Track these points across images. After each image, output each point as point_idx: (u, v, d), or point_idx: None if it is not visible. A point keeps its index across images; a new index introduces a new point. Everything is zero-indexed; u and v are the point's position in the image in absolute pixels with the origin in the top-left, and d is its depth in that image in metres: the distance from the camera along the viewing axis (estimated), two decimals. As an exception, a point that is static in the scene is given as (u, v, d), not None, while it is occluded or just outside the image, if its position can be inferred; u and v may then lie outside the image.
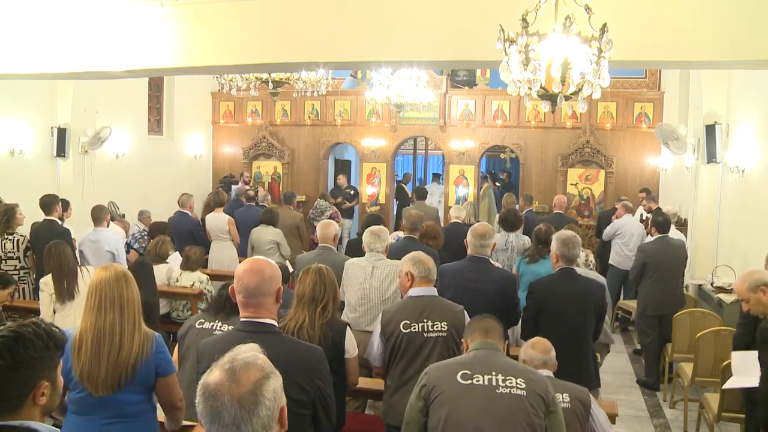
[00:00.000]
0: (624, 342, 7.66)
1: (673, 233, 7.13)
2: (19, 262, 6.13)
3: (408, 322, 3.36)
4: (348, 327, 3.26)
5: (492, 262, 4.39)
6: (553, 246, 4.03)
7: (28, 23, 5.45)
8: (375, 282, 4.44)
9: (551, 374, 3.05)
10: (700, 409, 5.01)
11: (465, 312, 3.41)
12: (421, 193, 9.32)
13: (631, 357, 7.07)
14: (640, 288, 6.25)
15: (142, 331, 2.77)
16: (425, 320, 3.35)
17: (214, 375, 1.48)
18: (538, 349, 3.14)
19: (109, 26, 5.26)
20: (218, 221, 7.82)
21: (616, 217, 8.08)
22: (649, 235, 7.99)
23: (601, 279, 4.54)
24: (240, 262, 8.12)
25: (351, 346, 3.24)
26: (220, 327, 3.43)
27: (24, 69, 5.55)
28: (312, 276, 3.23)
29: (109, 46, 5.27)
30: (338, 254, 5.40)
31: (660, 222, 6.23)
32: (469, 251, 4.33)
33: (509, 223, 6.52)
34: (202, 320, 3.53)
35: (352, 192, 11.87)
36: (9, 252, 6.08)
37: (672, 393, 5.80)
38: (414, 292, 3.48)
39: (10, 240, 6.10)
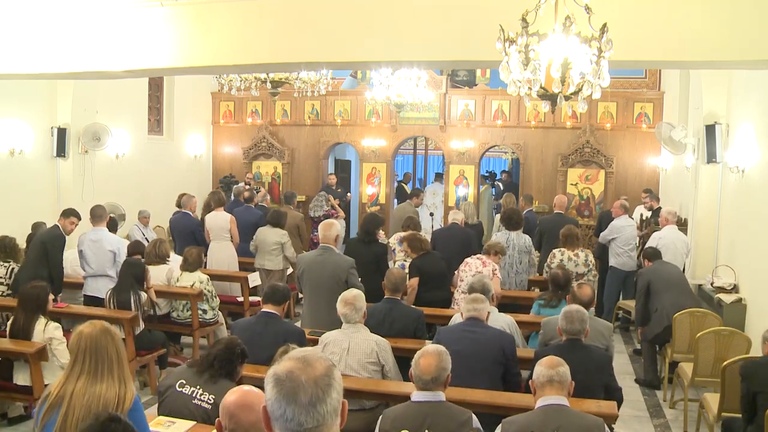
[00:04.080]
0: (624, 342, 7.66)
1: (676, 233, 7.15)
2: (8, 289, 6.08)
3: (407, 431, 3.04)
4: None
5: (485, 323, 4.27)
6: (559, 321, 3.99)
7: (28, 23, 5.45)
8: (351, 360, 4.08)
9: (563, 400, 2.96)
10: (700, 409, 5.01)
11: (474, 417, 3.07)
12: (409, 194, 9.46)
13: (631, 357, 7.07)
14: (656, 307, 6.00)
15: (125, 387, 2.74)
16: (426, 431, 2.96)
17: (284, 365, 1.51)
18: (544, 364, 3.06)
19: (109, 26, 5.26)
20: (219, 219, 7.82)
21: (613, 214, 8.08)
22: (640, 238, 8.03)
23: (607, 353, 4.27)
24: (239, 262, 8.17)
25: None
26: (200, 395, 3.30)
27: (24, 69, 5.55)
28: None
29: (109, 46, 5.26)
30: (340, 255, 5.40)
31: (650, 253, 6.43)
32: (464, 315, 4.25)
33: (513, 222, 6.68)
34: (184, 381, 3.38)
35: (339, 191, 11.87)
36: (0, 278, 6.09)
37: (672, 393, 5.80)
38: (417, 396, 3.10)
39: (4, 267, 6.10)
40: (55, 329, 4.78)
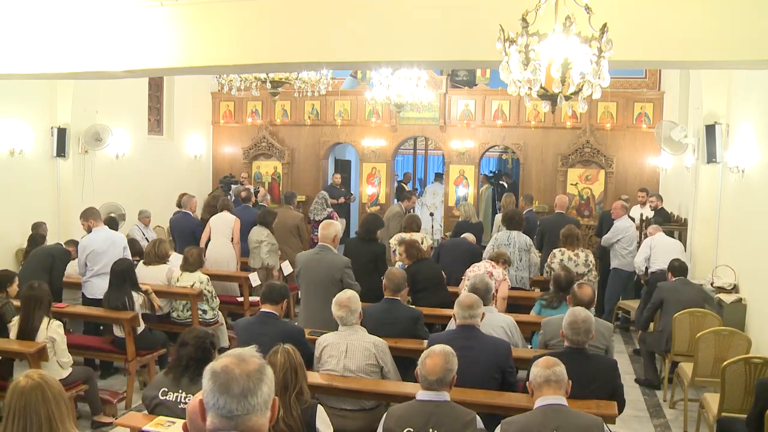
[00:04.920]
0: (624, 342, 7.66)
1: (666, 236, 7.17)
2: None
3: (412, 430, 3.01)
4: (318, 405, 3.10)
5: (482, 331, 4.08)
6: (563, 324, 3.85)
7: (28, 23, 5.45)
8: (350, 362, 4.03)
9: (562, 400, 2.95)
10: (700, 409, 5.01)
11: (477, 418, 3.05)
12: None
13: (631, 357, 7.07)
14: (661, 326, 5.96)
15: None
16: (431, 430, 2.99)
17: (220, 361, 1.65)
18: (539, 365, 3.04)
19: (109, 26, 5.25)
20: (226, 219, 7.88)
21: (613, 215, 8.06)
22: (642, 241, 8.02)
23: (611, 361, 4.07)
24: (240, 262, 8.21)
25: (324, 425, 3.04)
26: (185, 398, 3.28)
27: (24, 69, 5.54)
28: (281, 360, 3.07)
29: (109, 46, 5.26)
30: (336, 254, 5.41)
31: (675, 267, 6.20)
32: (456, 321, 4.07)
33: (515, 222, 6.82)
34: (165, 389, 3.36)
35: (342, 190, 11.93)
36: None
37: (672, 393, 5.80)
38: (422, 395, 3.11)
39: None
40: (57, 327, 4.78)
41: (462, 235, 7.23)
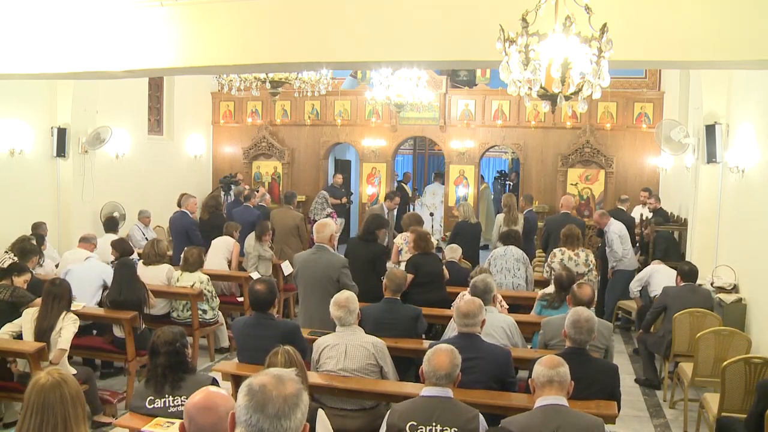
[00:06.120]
0: (624, 342, 7.66)
1: (668, 272, 6.73)
2: None
3: (415, 423, 3.04)
4: (319, 410, 3.05)
5: (482, 338, 4.01)
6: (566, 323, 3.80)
7: (28, 23, 5.45)
8: (349, 363, 4.01)
9: (562, 400, 2.96)
10: (700, 409, 5.01)
11: (480, 417, 3.09)
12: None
13: (631, 357, 7.07)
14: (662, 332, 5.89)
15: None
16: (434, 423, 3.02)
17: (259, 378, 1.66)
18: (544, 364, 3.04)
19: (109, 26, 5.25)
20: (227, 241, 7.87)
21: (599, 227, 7.92)
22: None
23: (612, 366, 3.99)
24: (240, 262, 8.15)
25: (324, 429, 3.03)
26: (172, 402, 3.33)
27: (24, 69, 5.55)
28: (281, 361, 3.07)
29: (109, 46, 5.26)
30: (333, 254, 5.40)
31: (685, 271, 6.01)
32: (456, 330, 4.01)
33: (511, 239, 7.02)
34: (151, 398, 3.39)
35: (343, 191, 11.93)
36: None
37: (672, 393, 5.80)
38: (426, 392, 3.15)
39: None
40: (73, 322, 4.78)
41: (448, 257, 6.95)
